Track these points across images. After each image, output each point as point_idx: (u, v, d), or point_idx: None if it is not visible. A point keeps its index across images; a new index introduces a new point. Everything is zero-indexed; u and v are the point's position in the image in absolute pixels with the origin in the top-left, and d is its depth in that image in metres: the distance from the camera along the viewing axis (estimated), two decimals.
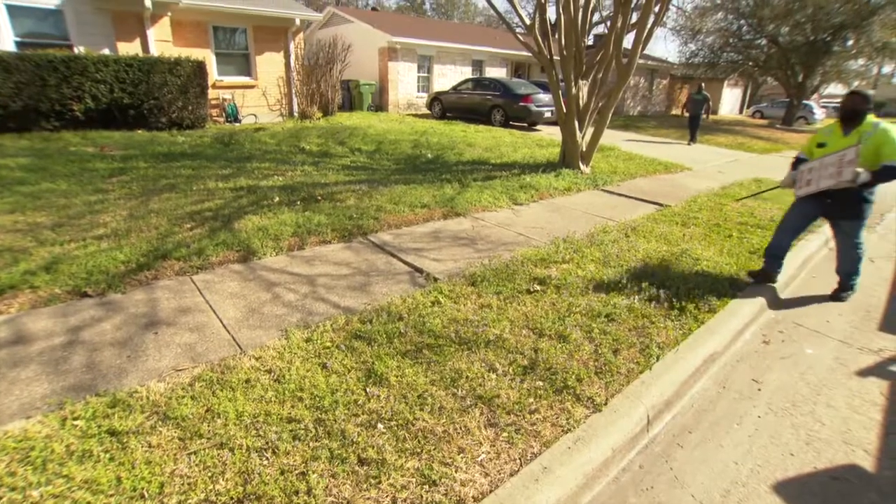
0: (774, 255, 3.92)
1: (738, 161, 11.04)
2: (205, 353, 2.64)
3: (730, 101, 32.20)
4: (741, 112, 33.82)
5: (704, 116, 13.51)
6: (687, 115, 13.72)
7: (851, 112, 3.47)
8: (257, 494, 1.73)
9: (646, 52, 8.64)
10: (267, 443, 1.97)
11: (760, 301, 3.67)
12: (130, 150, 7.75)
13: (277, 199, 5.48)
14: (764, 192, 4.54)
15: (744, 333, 3.37)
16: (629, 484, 2.08)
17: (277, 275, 3.67)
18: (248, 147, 8.69)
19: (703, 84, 14.14)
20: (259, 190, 5.86)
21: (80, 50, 9.61)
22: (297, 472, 1.84)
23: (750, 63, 24.32)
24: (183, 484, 1.76)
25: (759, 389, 2.80)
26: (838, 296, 4.00)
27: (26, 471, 1.78)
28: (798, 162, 3.86)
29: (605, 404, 2.32)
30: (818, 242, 5.14)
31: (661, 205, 6.20)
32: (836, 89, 34.12)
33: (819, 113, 26.36)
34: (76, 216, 4.61)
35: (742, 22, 22.64)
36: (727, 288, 3.72)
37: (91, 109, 9.15)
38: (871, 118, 3.44)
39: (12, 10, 9.27)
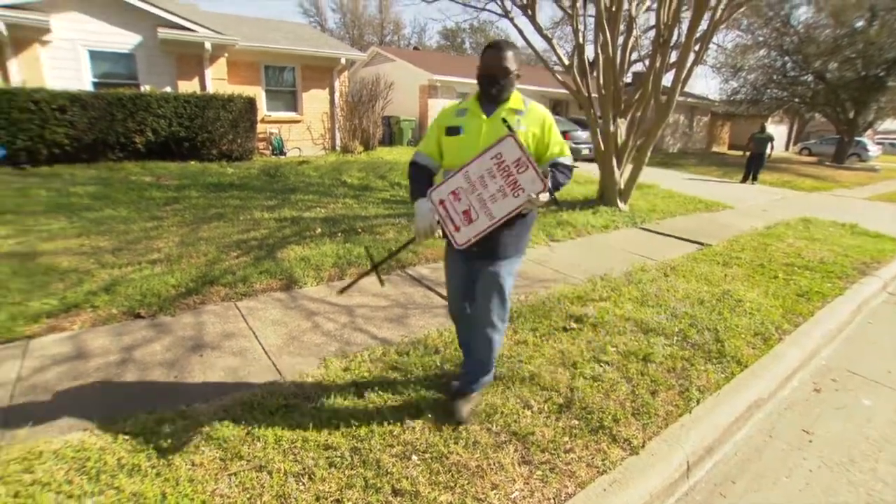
0: (465, 345, 2.61)
1: (784, 199, 10.72)
2: (246, 378, 2.73)
3: (775, 138, 31.51)
4: (787, 149, 32.93)
5: (768, 154, 13.31)
6: (747, 154, 13.51)
7: (492, 80, 2.09)
8: None
9: (685, 89, 8.60)
10: (304, 468, 2.01)
11: (810, 346, 3.51)
12: (184, 180, 8.23)
13: (319, 230, 5.68)
14: (396, 253, 2.55)
15: (791, 380, 3.22)
16: None
17: (317, 304, 3.78)
18: (292, 179, 9.07)
19: (765, 123, 13.98)
20: (302, 221, 6.09)
21: (145, 88, 10.41)
22: (332, 498, 1.87)
23: (796, 99, 23.78)
24: (223, 503, 1.82)
25: (811, 441, 2.65)
26: (455, 401, 2.41)
27: (82, 480, 1.88)
28: (418, 172, 2.27)
29: (643, 447, 2.26)
30: (876, 286, 4.89)
31: (701, 244, 6.07)
32: (894, 125, 32.76)
33: (874, 149, 25.31)
34: (134, 241, 4.92)
35: (786, 59, 22.30)
36: (772, 331, 3.58)
37: (151, 142, 9.83)
38: (517, 94, 2.18)
39: (93, 55, 10.28)
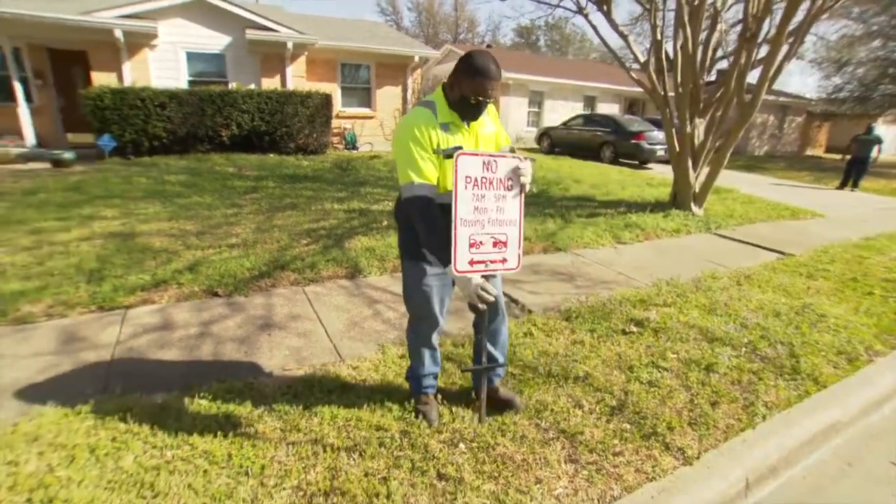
0: (425, 376, 2.40)
1: (890, 209, 9.59)
2: (309, 358, 2.90)
3: (886, 139, 28.28)
4: None
5: (874, 158, 11.96)
6: (847, 157, 12.25)
7: (482, 104, 1.94)
8: (342, 490, 1.86)
9: (776, 86, 7.92)
10: (355, 445, 2.12)
11: None
12: (262, 171, 8.80)
13: (386, 222, 5.87)
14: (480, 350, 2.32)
15: (882, 407, 2.92)
16: None
17: (380, 293, 3.92)
18: (363, 173, 9.40)
19: (873, 124, 12.58)
20: (370, 213, 6.32)
21: (232, 85, 11.21)
22: (380, 476, 1.95)
23: None
24: (280, 469, 1.96)
25: None
26: (501, 394, 2.42)
27: (164, 434, 2.11)
28: (432, 211, 1.90)
29: (698, 458, 2.16)
30: None
31: (782, 253, 5.63)
32: None
33: None
34: (215, 226, 5.34)
35: None
36: (861, 351, 3.27)
37: (235, 135, 10.58)
38: None
39: (189, 56, 11.26)
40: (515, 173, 1.90)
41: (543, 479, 1.99)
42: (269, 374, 2.70)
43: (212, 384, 2.52)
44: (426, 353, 2.35)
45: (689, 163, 7.42)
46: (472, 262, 1.89)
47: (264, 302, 3.65)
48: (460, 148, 1.92)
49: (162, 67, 10.95)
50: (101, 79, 10.15)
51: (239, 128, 10.56)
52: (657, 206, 7.68)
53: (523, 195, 1.96)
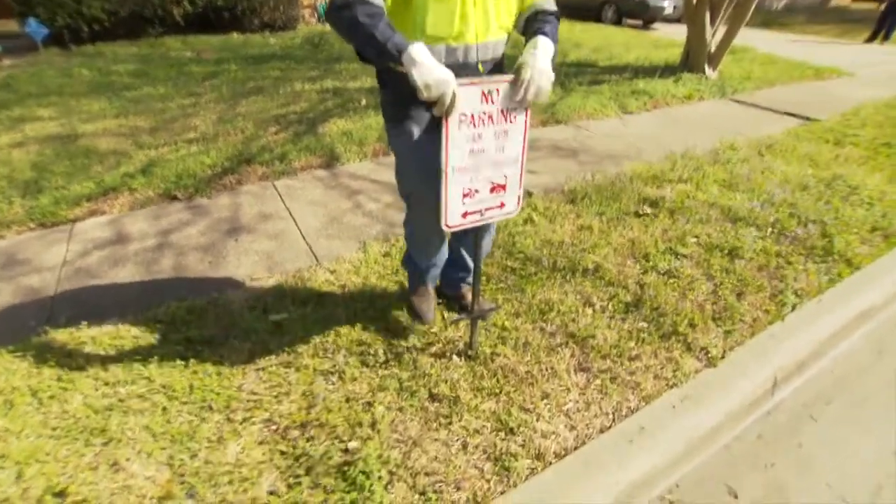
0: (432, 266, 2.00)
1: None
2: (281, 263, 2.57)
3: None
4: None
5: None
6: (883, 6, 10.85)
7: None
8: (320, 422, 1.62)
9: None
10: (334, 365, 1.86)
11: None
12: (224, 53, 7.83)
13: (364, 101, 5.22)
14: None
15: None
16: (743, 457, 1.73)
17: (360, 182, 3.51)
18: (337, 48, 8.36)
19: None
20: (346, 92, 5.62)
21: None
22: (363, 401, 1.71)
23: None
24: (249, 401, 1.71)
25: None
26: (476, 309, 1.83)
27: (117, 368, 1.83)
28: (374, 10, 1.30)
29: (722, 358, 1.93)
30: None
31: (807, 118, 5.09)
32: None
33: None
34: (170, 120, 4.72)
35: None
36: None
37: (189, 14, 9.33)
38: None
39: None
40: (518, 93, 1.40)
41: (551, 394, 1.75)
42: (235, 286, 2.38)
43: (170, 304, 2.20)
44: (434, 241, 1.86)
45: (707, 17, 6.50)
46: (465, 215, 1.55)
47: (230, 202, 3.23)
48: None
49: None
50: None
51: (192, 4, 9.23)
52: (666, 70, 6.89)
53: (528, 114, 1.49)
